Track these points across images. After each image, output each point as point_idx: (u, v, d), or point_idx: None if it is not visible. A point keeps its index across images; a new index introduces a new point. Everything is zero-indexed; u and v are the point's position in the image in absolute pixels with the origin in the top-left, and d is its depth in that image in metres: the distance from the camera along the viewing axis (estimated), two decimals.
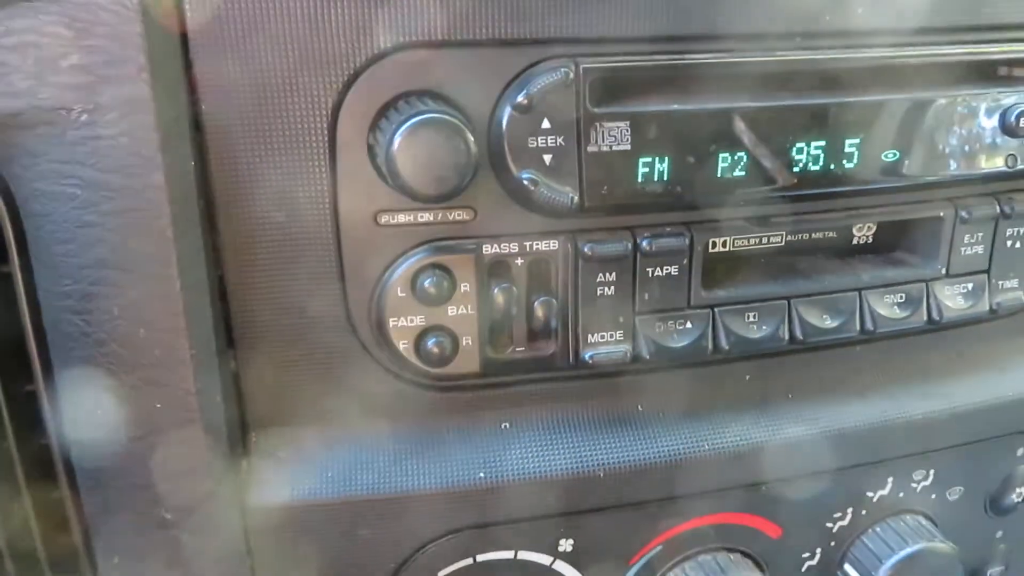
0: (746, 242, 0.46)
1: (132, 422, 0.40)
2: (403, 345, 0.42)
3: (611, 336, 0.44)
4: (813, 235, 0.48)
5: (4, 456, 0.43)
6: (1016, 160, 0.47)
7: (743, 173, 0.43)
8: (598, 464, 0.45)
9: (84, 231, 0.37)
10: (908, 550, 0.49)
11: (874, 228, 0.49)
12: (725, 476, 0.47)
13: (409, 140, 0.37)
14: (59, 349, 0.39)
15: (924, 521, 0.52)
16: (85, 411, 0.40)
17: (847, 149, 0.44)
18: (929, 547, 0.50)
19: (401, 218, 0.40)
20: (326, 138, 0.38)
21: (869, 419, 0.49)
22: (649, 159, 0.41)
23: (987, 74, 0.46)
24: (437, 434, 0.44)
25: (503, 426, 0.45)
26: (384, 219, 0.40)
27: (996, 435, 0.52)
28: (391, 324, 0.41)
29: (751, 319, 0.45)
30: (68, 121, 0.36)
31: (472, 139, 0.37)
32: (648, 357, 0.44)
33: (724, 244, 0.46)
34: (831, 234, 0.48)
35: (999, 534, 0.57)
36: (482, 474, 0.43)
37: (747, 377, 0.48)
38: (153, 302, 0.38)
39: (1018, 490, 0.55)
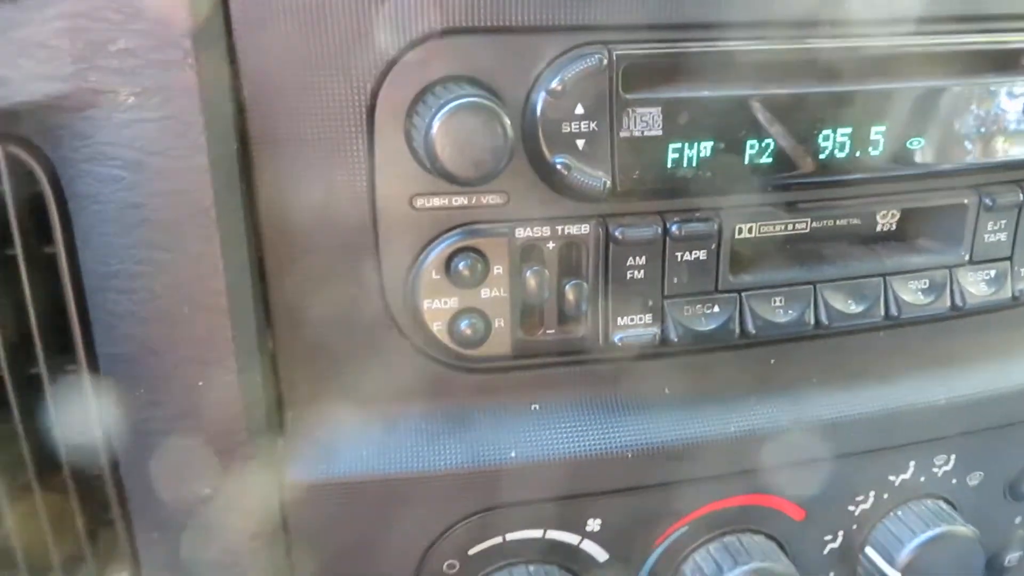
0: (772, 228, 0.47)
1: (173, 400, 0.40)
2: (437, 327, 0.42)
3: (640, 319, 0.44)
4: (838, 222, 0.48)
5: (45, 434, 0.44)
6: None
7: (770, 160, 0.44)
8: (626, 445, 0.45)
9: (129, 212, 0.38)
10: (930, 533, 0.50)
11: (898, 215, 0.50)
12: (750, 458, 0.48)
13: (448, 124, 0.37)
14: (102, 328, 0.40)
15: (945, 506, 0.53)
16: (126, 389, 0.41)
17: (872, 136, 0.45)
18: (951, 530, 0.50)
19: (436, 201, 0.41)
20: (364, 122, 0.39)
21: (892, 404, 0.49)
22: (680, 145, 0.42)
23: (1011, 62, 0.47)
24: (469, 414, 0.45)
25: (533, 407, 0.46)
26: (420, 202, 0.41)
27: (1017, 421, 0.53)
28: (425, 306, 0.42)
29: (777, 304, 0.46)
30: (115, 104, 0.37)
31: (509, 123, 0.38)
32: (676, 340, 0.45)
33: (751, 230, 0.46)
34: (856, 221, 0.49)
35: (1018, 520, 0.57)
36: (513, 453, 0.44)
37: (772, 361, 0.48)
38: (196, 281, 0.38)
39: None
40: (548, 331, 0.44)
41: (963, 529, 0.51)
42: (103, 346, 0.41)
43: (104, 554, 0.47)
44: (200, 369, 0.40)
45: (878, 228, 0.49)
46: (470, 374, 0.45)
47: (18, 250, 0.40)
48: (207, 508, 0.42)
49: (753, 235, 0.46)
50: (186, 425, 0.41)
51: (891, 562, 0.51)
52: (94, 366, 0.42)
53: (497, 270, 0.42)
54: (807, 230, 0.48)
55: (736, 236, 0.45)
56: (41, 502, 0.45)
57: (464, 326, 0.42)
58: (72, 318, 0.41)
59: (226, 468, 0.42)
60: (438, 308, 0.42)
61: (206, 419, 0.41)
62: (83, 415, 0.43)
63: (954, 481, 0.53)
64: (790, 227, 0.47)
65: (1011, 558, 0.58)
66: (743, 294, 0.46)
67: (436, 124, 0.37)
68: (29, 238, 0.41)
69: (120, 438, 0.42)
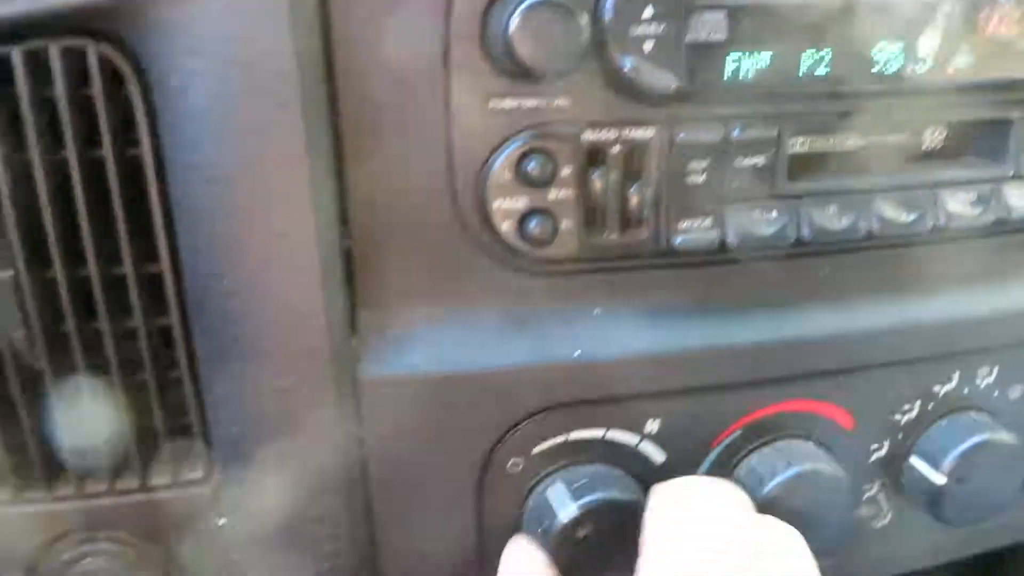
0: (828, 139, 0.48)
1: (253, 291, 0.42)
2: (506, 226, 0.44)
3: (700, 223, 0.46)
4: (890, 135, 0.50)
5: (129, 341, 0.46)
6: None
7: (827, 70, 0.45)
8: (686, 347, 0.47)
9: (217, 107, 0.39)
10: (975, 439, 0.52)
11: (947, 129, 0.51)
12: (803, 364, 0.49)
13: (525, 22, 0.39)
14: (185, 225, 0.42)
15: (987, 417, 0.54)
16: (207, 284, 0.43)
17: (921, 53, 0.46)
18: (995, 438, 0.52)
19: (509, 103, 0.42)
20: (442, 20, 0.40)
21: (938, 314, 0.51)
22: (744, 52, 0.43)
23: None
24: (535, 317, 0.47)
25: (595, 312, 0.47)
26: (493, 104, 0.42)
27: None
28: (495, 205, 0.44)
29: (832, 211, 0.48)
30: None
31: (584, 22, 0.39)
32: (735, 244, 0.46)
33: (809, 138, 0.48)
34: (907, 134, 0.50)
35: None
36: (578, 352, 0.46)
37: (826, 270, 0.50)
38: (281, 172, 0.40)
39: None
40: (611, 235, 0.46)
41: (1007, 437, 0.52)
42: (186, 244, 0.42)
43: (179, 457, 0.49)
44: (281, 261, 0.41)
45: (928, 141, 0.51)
46: (535, 278, 0.46)
47: (108, 153, 0.42)
48: (284, 402, 0.44)
49: (811, 143, 0.48)
50: (264, 318, 0.43)
51: (936, 467, 0.52)
52: (178, 265, 0.43)
53: (565, 171, 0.44)
54: (861, 142, 0.49)
55: (795, 144, 0.47)
56: (122, 399, 0.47)
57: (533, 226, 0.44)
58: (156, 217, 0.43)
59: (302, 364, 0.44)
60: (508, 208, 0.44)
61: (285, 314, 0.43)
62: (163, 312, 0.45)
63: (996, 394, 0.55)
64: (845, 138, 0.48)
65: None
66: (800, 201, 0.47)
67: (513, 22, 0.39)
68: (117, 140, 0.42)
69: (199, 332, 0.44)
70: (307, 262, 0.42)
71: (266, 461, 0.45)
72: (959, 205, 0.50)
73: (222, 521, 0.50)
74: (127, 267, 0.44)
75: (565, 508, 0.46)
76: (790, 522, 0.50)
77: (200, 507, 0.50)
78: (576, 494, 0.46)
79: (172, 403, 0.48)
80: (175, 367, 0.47)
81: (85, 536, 0.49)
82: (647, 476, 0.49)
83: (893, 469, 0.55)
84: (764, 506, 0.49)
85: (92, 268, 0.43)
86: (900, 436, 0.54)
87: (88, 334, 0.45)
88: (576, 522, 0.46)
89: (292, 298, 0.43)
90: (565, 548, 0.46)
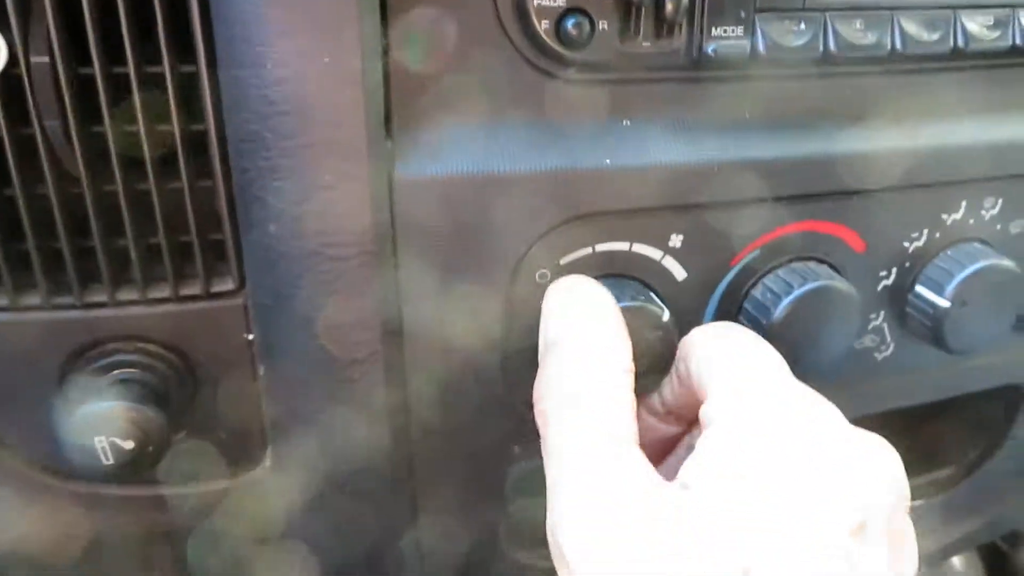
0: None
1: (291, 87, 0.42)
2: (544, 25, 0.44)
3: (733, 31, 0.46)
4: None
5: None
6: None
7: None
8: (710, 159, 0.48)
9: None
10: (977, 265, 0.54)
11: None
12: (821, 182, 0.50)
13: None
14: (222, 19, 0.41)
15: (990, 249, 0.56)
16: (244, 80, 0.42)
17: None
18: (997, 263, 0.54)
19: None
20: None
21: (951, 139, 0.52)
22: None
23: None
24: (566, 126, 0.47)
25: (624, 123, 0.48)
26: None
27: None
28: (535, 2, 0.44)
29: (858, 27, 0.48)
30: None
31: None
32: (764, 53, 0.47)
33: None
34: None
35: None
36: (608, 161, 0.47)
37: (847, 93, 0.51)
38: None
39: None
40: (645, 42, 0.46)
41: (1008, 263, 0.54)
42: (222, 35, 0.42)
43: (210, 270, 0.49)
44: (322, 59, 0.41)
45: None
46: (569, 85, 0.47)
47: (166, 68, 0.43)
48: (319, 203, 0.44)
49: None
50: (304, 118, 0.43)
51: (940, 293, 0.54)
52: (212, 62, 0.43)
53: None
54: None
55: None
56: (156, 207, 0.47)
57: (571, 25, 0.44)
58: (193, 14, 0.42)
59: (339, 163, 0.44)
60: (546, 5, 0.44)
61: (324, 112, 0.43)
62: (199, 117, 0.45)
63: (999, 227, 0.57)
64: None
65: None
66: (828, 14, 0.48)
67: None
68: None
69: (233, 134, 0.44)
70: (348, 61, 0.42)
71: (291, 264, 0.46)
72: (977, 27, 0.51)
73: (251, 336, 0.51)
74: (165, 66, 0.44)
75: None
76: (801, 343, 0.52)
77: (230, 320, 0.50)
78: None
79: (205, 215, 0.48)
80: (208, 176, 0.47)
81: (116, 346, 0.49)
82: (668, 294, 0.51)
83: (898, 301, 0.57)
84: (778, 324, 0.51)
85: (131, 66, 0.43)
86: (907, 264, 0.56)
87: (123, 137, 0.45)
88: None
89: (331, 95, 0.42)
90: None
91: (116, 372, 0.50)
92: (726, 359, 0.43)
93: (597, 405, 0.41)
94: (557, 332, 0.45)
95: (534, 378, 0.51)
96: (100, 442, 0.46)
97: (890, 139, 0.51)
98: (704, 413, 0.41)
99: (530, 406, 0.51)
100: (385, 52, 0.44)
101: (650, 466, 0.38)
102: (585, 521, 0.37)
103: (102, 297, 0.48)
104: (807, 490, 0.35)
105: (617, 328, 0.44)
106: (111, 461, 0.47)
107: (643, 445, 0.40)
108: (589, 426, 0.40)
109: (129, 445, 0.47)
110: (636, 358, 0.46)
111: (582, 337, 0.44)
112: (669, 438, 0.49)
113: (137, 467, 0.48)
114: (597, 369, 0.42)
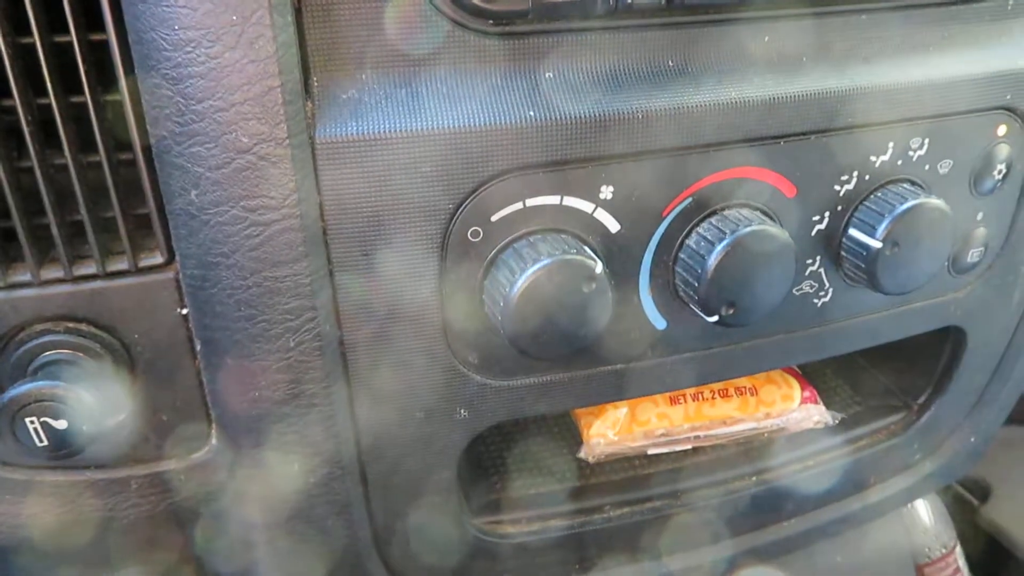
0: None
1: (201, 47, 0.41)
2: None
3: None
4: None
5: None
6: None
7: None
8: (636, 108, 0.48)
9: None
10: (907, 204, 0.54)
11: None
12: (748, 128, 0.51)
13: None
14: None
15: (920, 189, 0.57)
16: (153, 44, 0.42)
17: None
18: (926, 202, 0.55)
19: None
20: None
21: (875, 81, 0.53)
22: None
23: None
24: (489, 80, 0.47)
25: (547, 76, 0.48)
26: None
27: (980, 108, 0.57)
28: None
29: None
30: None
31: None
32: None
33: None
34: None
35: (979, 216, 0.62)
36: (532, 113, 0.47)
37: (766, 39, 0.51)
38: None
39: (998, 167, 0.60)
40: None
41: (937, 201, 0.55)
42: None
43: (137, 245, 0.49)
44: (231, 13, 0.41)
45: None
46: (489, 38, 0.46)
47: (73, 37, 0.42)
48: (248, 159, 0.44)
49: None
50: (215, 81, 0.42)
51: (872, 234, 0.55)
52: (122, 34, 0.42)
53: None
54: None
55: None
56: (80, 184, 0.46)
57: None
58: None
59: (257, 126, 0.43)
60: None
61: (236, 75, 0.42)
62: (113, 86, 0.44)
63: (927, 167, 0.58)
64: None
65: (973, 252, 0.64)
66: None
67: None
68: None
69: (148, 98, 0.43)
70: (256, 18, 0.41)
71: (220, 236, 0.45)
72: None
73: (184, 311, 0.50)
74: (72, 35, 0.43)
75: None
76: (738, 290, 0.52)
77: (162, 296, 0.50)
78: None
79: (129, 188, 0.48)
80: (129, 149, 0.46)
81: (45, 327, 0.49)
82: (604, 246, 0.51)
83: (833, 244, 0.58)
84: (714, 272, 0.51)
85: (36, 36, 0.42)
86: (839, 208, 0.56)
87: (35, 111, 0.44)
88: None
89: (241, 54, 0.42)
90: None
91: (47, 354, 0.49)
92: None
93: None
94: None
95: (474, 336, 0.51)
96: (32, 423, 0.46)
97: (815, 82, 0.52)
98: None
99: (472, 365, 0.51)
100: (297, 9, 0.43)
101: None
102: None
103: (26, 277, 0.47)
104: None
105: None
106: (45, 442, 0.47)
107: None
108: None
109: (62, 425, 0.46)
110: (572, 312, 0.47)
111: None
112: None
113: (73, 448, 0.47)
114: None
